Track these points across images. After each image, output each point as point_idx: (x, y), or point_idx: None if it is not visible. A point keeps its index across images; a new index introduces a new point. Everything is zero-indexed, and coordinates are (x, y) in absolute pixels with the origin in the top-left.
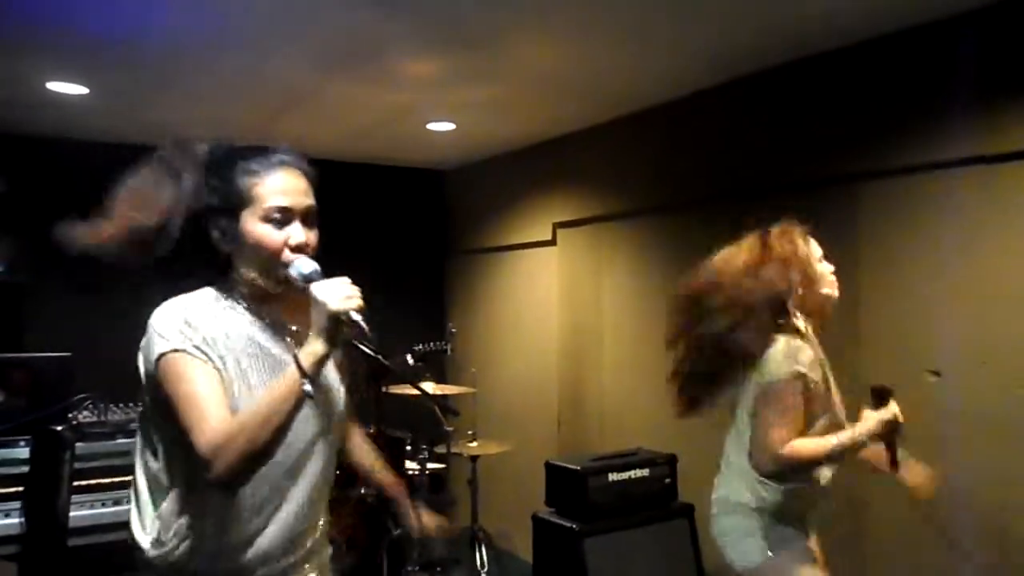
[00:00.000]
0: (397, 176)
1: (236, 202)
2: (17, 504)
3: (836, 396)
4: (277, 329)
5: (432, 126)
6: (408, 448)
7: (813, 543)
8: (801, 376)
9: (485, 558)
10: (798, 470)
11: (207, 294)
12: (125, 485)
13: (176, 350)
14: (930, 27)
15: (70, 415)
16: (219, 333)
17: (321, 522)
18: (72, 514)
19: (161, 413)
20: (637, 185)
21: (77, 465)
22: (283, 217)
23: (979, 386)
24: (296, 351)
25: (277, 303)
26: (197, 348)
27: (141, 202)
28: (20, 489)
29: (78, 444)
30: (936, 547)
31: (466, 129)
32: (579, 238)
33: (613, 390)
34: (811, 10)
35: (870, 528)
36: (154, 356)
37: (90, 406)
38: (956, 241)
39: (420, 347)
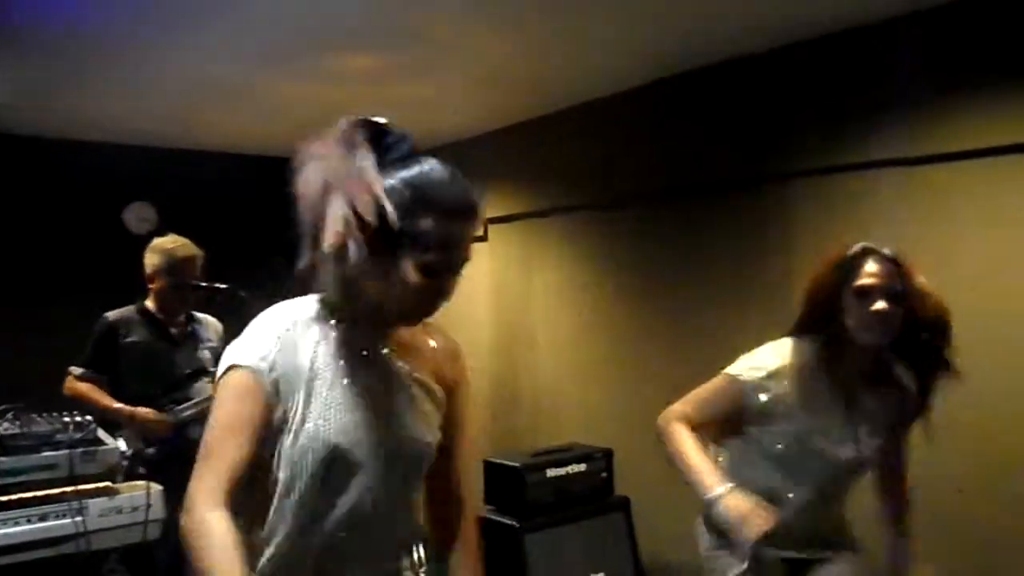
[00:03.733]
0: None
1: (405, 223)
2: None
3: None
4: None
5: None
6: None
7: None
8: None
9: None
10: None
11: (309, 305)
12: (51, 499)
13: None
14: (860, 31)
15: None
16: (301, 357)
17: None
18: None
19: None
20: (569, 182)
21: None
22: (444, 267)
23: None
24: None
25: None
26: (265, 371)
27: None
28: None
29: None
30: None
31: (400, 125)
32: (510, 234)
33: (547, 385)
34: (743, 12)
35: None
36: (222, 366)
37: (11, 417)
38: (881, 240)
39: None
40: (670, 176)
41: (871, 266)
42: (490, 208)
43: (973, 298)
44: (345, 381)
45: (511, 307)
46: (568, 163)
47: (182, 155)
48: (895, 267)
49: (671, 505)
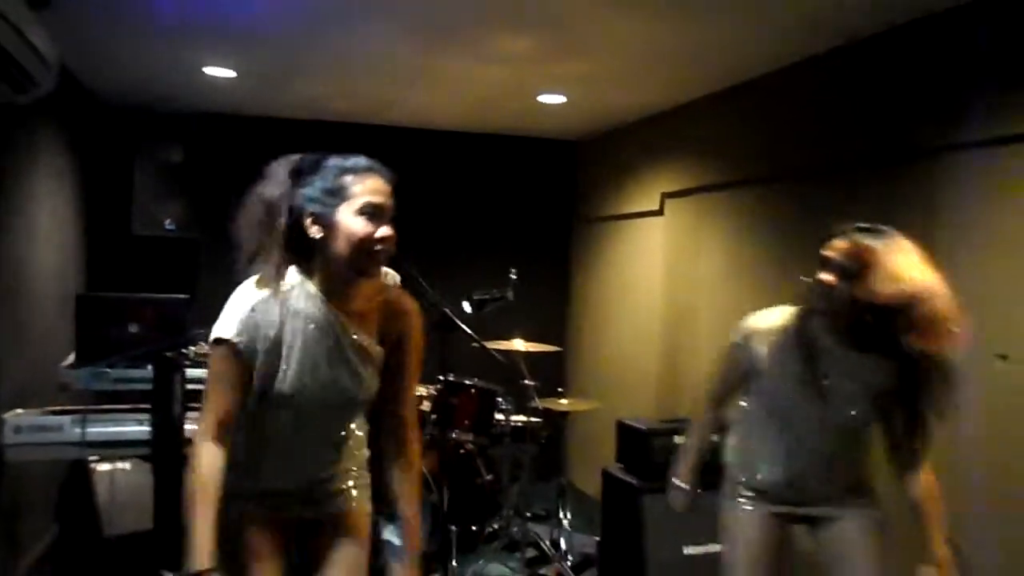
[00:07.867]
0: (531, 146)
1: (336, 197)
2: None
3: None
4: (342, 313)
5: (543, 98)
6: (499, 400)
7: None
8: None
9: (568, 508)
10: None
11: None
12: None
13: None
14: None
15: (185, 347)
16: (277, 315)
17: (344, 464)
18: (186, 427)
19: None
20: (737, 156)
21: (189, 387)
22: (375, 213)
23: None
24: (357, 337)
25: (346, 289)
26: (240, 336)
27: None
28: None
29: (189, 370)
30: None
31: (576, 101)
32: (684, 208)
33: (707, 359)
34: None
35: None
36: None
37: (203, 339)
38: None
39: (477, 295)
40: (834, 151)
41: (836, 241)
42: (666, 182)
43: None
44: (305, 347)
45: (680, 280)
46: (737, 138)
47: (375, 130)
48: (863, 249)
49: None
